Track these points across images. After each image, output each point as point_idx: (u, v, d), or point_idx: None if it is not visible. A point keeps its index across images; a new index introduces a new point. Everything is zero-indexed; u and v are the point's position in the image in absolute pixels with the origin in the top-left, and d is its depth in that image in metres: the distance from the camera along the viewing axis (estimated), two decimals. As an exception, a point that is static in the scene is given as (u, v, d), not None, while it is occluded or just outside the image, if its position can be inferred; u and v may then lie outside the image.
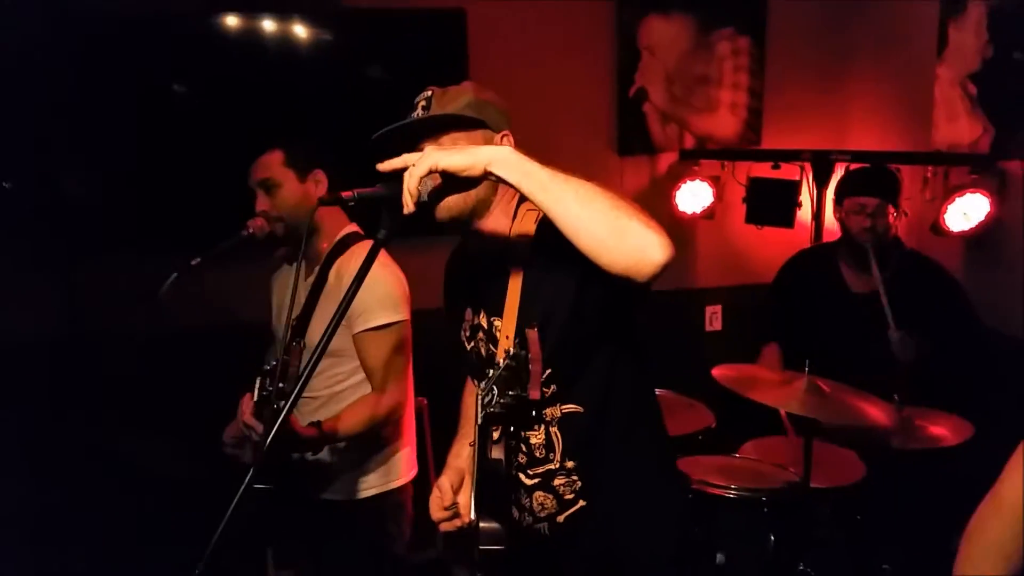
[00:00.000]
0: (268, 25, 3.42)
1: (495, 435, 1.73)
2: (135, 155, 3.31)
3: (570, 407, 1.70)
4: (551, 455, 1.73)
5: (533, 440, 1.74)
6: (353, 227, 2.39)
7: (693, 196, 3.87)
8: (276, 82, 3.44)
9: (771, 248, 3.89)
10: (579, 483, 1.73)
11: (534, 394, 1.46)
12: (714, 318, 4.13)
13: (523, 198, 1.73)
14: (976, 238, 3.22)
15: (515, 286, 1.70)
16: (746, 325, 3.87)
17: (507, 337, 1.70)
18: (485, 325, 1.79)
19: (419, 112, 1.68)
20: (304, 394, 2.31)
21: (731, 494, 2.53)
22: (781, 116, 4.02)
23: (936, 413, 2.65)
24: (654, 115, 3.91)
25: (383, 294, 2.21)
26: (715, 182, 3.86)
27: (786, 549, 2.52)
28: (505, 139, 1.72)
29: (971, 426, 2.52)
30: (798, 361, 3.14)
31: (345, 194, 1.52)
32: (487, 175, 1.38)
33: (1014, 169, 3.15)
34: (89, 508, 3.18)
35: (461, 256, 1.93)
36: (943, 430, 2.54)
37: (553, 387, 1.69)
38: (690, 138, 3.97)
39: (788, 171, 3.72)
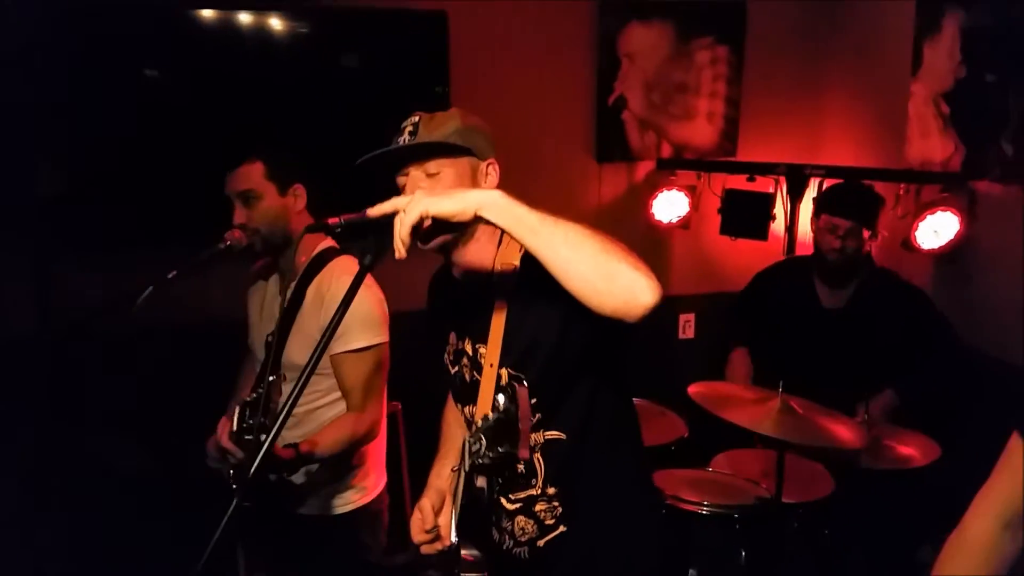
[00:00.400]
0: (245, 20, 3.38)
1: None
2: (105, 151, 3.26)
3: (553, 434, 1.70)
4: (533, 481, 1.73)
5: (516, 466, 1.75)
6: (329, 241, 2.37)
7: (670, 205, 3.90)
8: (252, 79, 3.40)
9: (745, 258, 3.94)
10: (560, 509, 1.74)
11: (523, 454, 1.47)
12: (687, 326, 4.16)
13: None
14: (946, 255, 3.27)
15: (500, 315, 1.70)
16: (719, 333, 3.91)
17: (491, 365, 1.71)
18: (470, 352, 1.79)
19: (406, 137, 1.67)
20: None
21: (704, 510, 2.56)
22: (757, 127, 4.06)
23: (905, 432, 2.70)
24: (633, 123, 3.92)
25: (364, 316, 2.21)
26: (691, 192, 3.89)
27: (757, 565, 2.55)
28: (491, 167, 1.73)
29: (938, 447, 2.57)
30: (766, 370, 3.20)
31: (331, 220, 1.50)
32: (477, 219, 1.37)
33: (984, 188, 3.21)
34: (62, 509, 3.15)
35: (445, 278, 1.92)
36: (911, 450, 2.59)
37: (538, 415, 1.70)
38: (667, 146, 3.99)
39: (763, 183, 3.76)
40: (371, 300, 2.23)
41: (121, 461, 3.34)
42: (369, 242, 1.50)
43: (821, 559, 2.81)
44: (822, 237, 3.12)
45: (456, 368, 1.85)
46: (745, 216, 3.77)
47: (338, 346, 2.21)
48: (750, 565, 2.54)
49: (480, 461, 1.49)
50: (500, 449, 1.47)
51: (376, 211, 1.41)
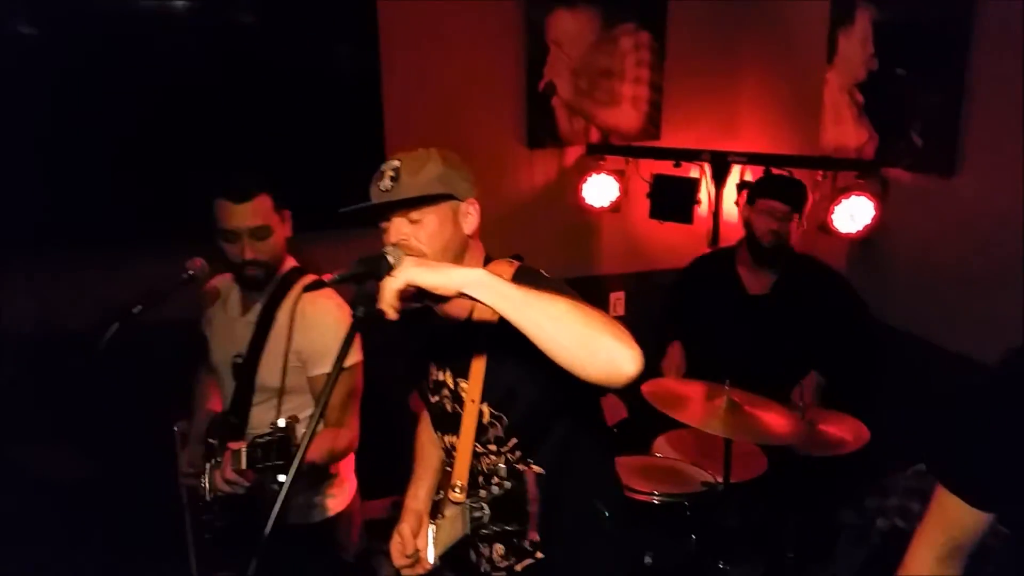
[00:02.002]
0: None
1: (456, 492, 1.82)
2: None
3: (534, 468, 1.78)
4: None
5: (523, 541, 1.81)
6: (292, 262, 2.39)
7: (599, 190, 3.99)
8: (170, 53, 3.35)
9: (671, 238, 4.10)
10: (537, 537, 1.80)
11: (534, 536, 1.53)
12: (618, 304, 4.30)
13: (488, 260, 1.80)
14: (860, 238, 3.49)
15: (481, 352, 1.76)
16: (648, 310, 4.06)
17: (472, 401, 1.77)
18: (451, 385, 1.84)
19: (387, 183, 1.69)
20: (252, 430, 2.34)
21: (656, 500, 2.71)
22: (679, 111, 4.16)
23: (836, 416, 2.90)
24: (562, 108, 3.98)
25: (341, 338, 2.22)
26: (620, 176, 3.99)
27: (706, 547, 2.73)
28: (471, 206, 1.77)
29: (867, 431, 2.79)
30: (701, 360, 3.37)
31: (325, 277, 1.57)
32: (460, 295, 1.41)
33: (896, 175, 3.42)
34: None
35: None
36: (843, 435, 2.79)
37: (518, 453, 1.78)
38: (595, 131, 4.07)
39: (688, 168, 3.91)
40: (347, 322, 2.24)
41: (58, 469, 3.27)
42: (361, 294, 1.55)
43: (758, 532, 3.03)
44: (759, 221, 3.26)
45: (436, 398, 1.90)
46: (672, 200, 3.91)
47: (319, 367, 2.26)
48: (699, 548, 2.71)
49: (485, 531, 1.55)
50: (508, 528, 1.54)
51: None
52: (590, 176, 3.99)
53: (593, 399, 1.86)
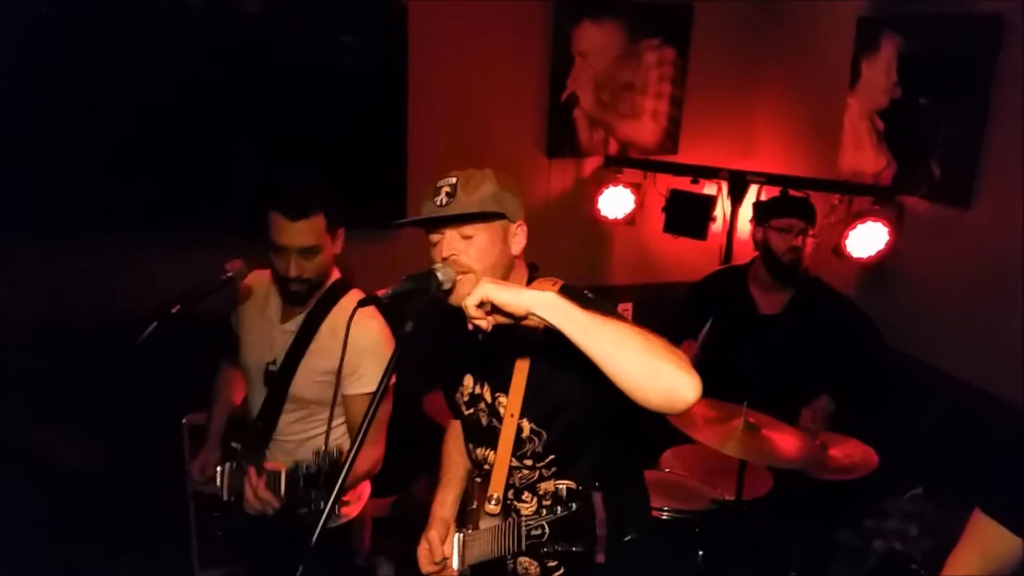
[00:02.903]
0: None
1: (491, 505, 1.84)
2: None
3: (565, 483, 1.80)
4: None
5: (524, 511, 1.84)
6: (337, 274, 2.38)
7: (615, 202, 4.03)
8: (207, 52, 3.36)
9: (684, 252, 4.14)
10: (603, 559, 1.77)
11: (600, 558, 1.55)
12: (625, 314, 4.30)
13: (533, 276, 1.83)
14: (872, 264, 3.53)
15: (523, 368, 1.78)
16: (656, 322, 4.08)
17: (512, 416, 1.79)
18: (488, 399, 1.86)
19: (443, 199, 1.72)
20: (278, 437, 2.36)
21: (665, 515, 2.75)
22: (697, 127, 4.21)
23: (847, 440, 2.94)
24: (583, 120, 4.01)
25: (382, 361, 2.22)
26: (636, 189, 4.03)
27: (713, 563, 2.77)
28: (520, 228, 1.80)
29: (876, 456, 2.83)
30: (708, 378, 3.39)
31: (379, 292, 1.59)
32: (530, 315, 1.45)
33: (912, 204, 3.46)
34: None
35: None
36: (853, 461, 2.83)
37: (553, 469, 1.80)
38: (614, 143, 4.10)
39: (704, 185, 3.94)
40: (388, 344, 2.26)
41: (64, 454, 3.28)
42: (411, 310, 1.58)
43: (762, 549, 3.07)
44: (778, 239, 3.27)
45: (471, 411, 1.92)
46: (687, 216, 3.95)
47: (356, 387, 2.25)
48: (707, 562, 2.75)
49: (545, 549, 1.56)
50: (574, 548, 1.55)
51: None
52: (607, 188, 4.03)
53: (635, 419, 1.89)
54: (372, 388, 2.22)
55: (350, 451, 1.50)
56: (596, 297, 1.71)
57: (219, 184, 3.46)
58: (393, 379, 2.28)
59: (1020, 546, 1.48)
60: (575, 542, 1.53)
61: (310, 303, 2.32)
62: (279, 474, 2.05)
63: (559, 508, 1.56)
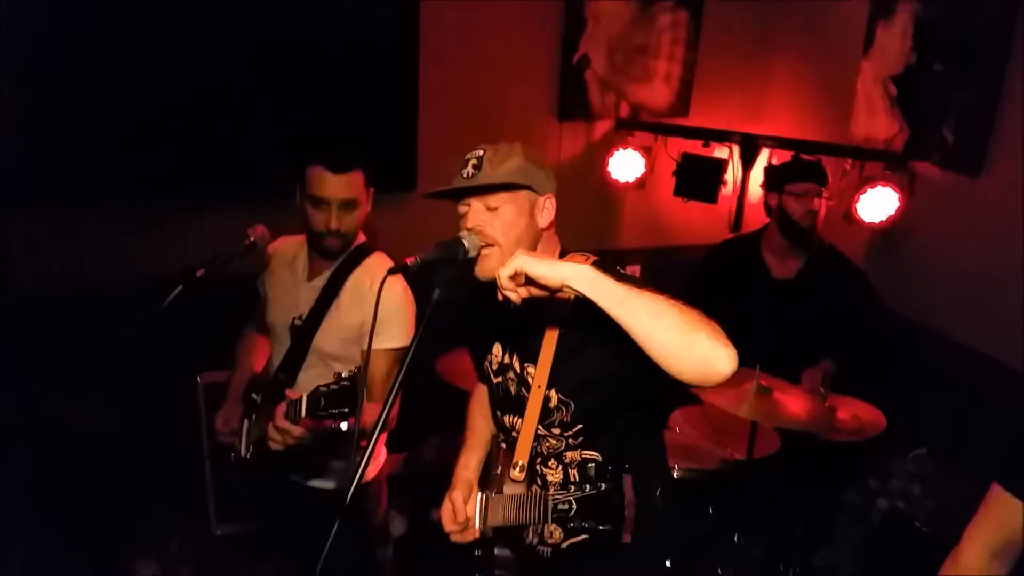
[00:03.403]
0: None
1: (516, 472, 1.88)
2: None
3: (590, 454, 1.85)
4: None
5: (550, 477, 1.88)
6: (362, 237, 2.44)
7: (626, 165, 4.03)
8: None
9: (694, 216, 4.15)
10: (629, 539, 1.82)
11: (627, 538, 1.58)
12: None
13: (564, 252, 1.85)
14: (883, 229, 3.56)
15: (552, 338, 1.80)
16: (663, 285, 4.12)
17: (539, 387, 1.82)
18: (517, 368, 1.89)
19: (470, 170, 1.74)
20: (301, 390, 2.39)
21: (676, 474, 2.81)
22: (709, 91, 4.20)
23: (855, 403, 2.98)
24: (594, 83, 4.00)
25: (404, 320, 2.31)
26: (647, 153, 4.03)
27: (723, 520, 2.84)
28: (548, 201, 1.81)
29: (884, 418, 2.87)
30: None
31: (408, 260, 1.62)
32: (564, 287, 1.46)
33: (924, 170, 3.48)
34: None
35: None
36: (862, 423, 2.88)
37: (581, 438, 1.84)
38: (625, 106, 4.10)
39: (715, 148, 3.95)
40: (410, 304, 2.34)
41: (85, 421, 3.33)
42: (440, 277, 1.61)
43: (770, 508, 3.14)
44: (793, 205, 3.29)
45: (500, 379, 1.96)
46: (698, 179, 3.96)
47: (379, 342, 2.27)
48: (718, 521, 2.82)
49: (571, 524, 1.58)
50: (601, 527, 1.57)
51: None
52: (617, 151, 4.03)
53: (662, 391, 1.92)
54: (391, 344, 2.28)
55: (383, 409, 1.55)
56: (629, 274, 1.72)
57: (234, 149, 3.45)
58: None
59: None
60: (603, 521, 1.56)
61: (336, 261, 2.38)
62: (299, 400, 2.04)
63: (587, 486, 1.57)
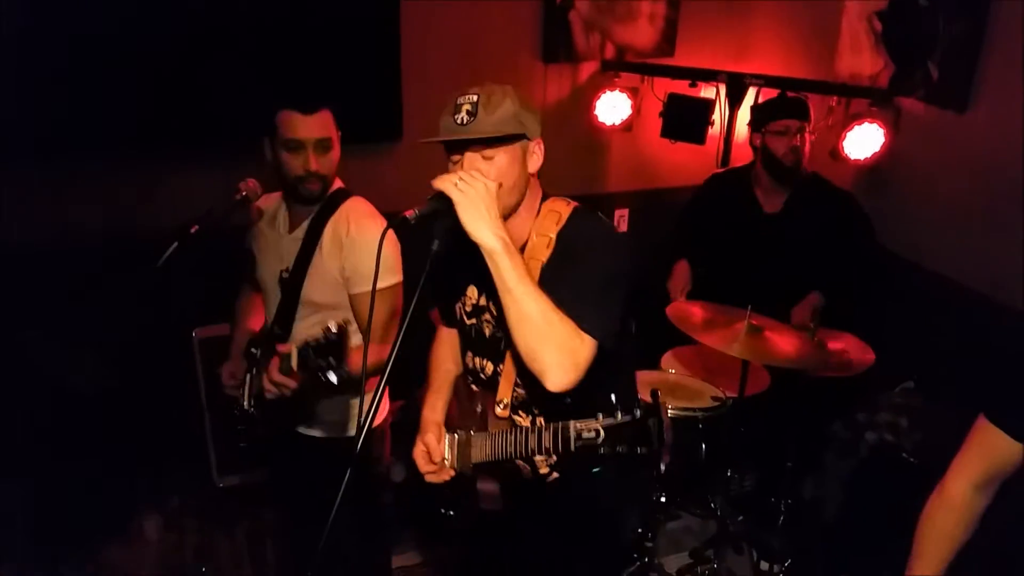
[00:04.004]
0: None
1: (500, 408, 1.92)
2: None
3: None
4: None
5: (520, 422, 1.94)
6: (339, 183, 2.43)
7: (612, 108, 4.01)
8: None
9: (681, 157, 4.15)
10: (555, 459, 1.95)
11: (667, 458, 1.62)
12: (621, 221, 4.37)
13: (546, 196, 1.86)
14: (869, 165, 3.58)
15: None
16: (652, 228, 4.15)
17: None
18: (494, 311, 1.92)
19: (464, 116, 1.72)
20: (297, 341, 2.41)
21: (670, 413, 2.85)
22: (694, 30, 4.14)
23: (844, 338, 3.04)
24: (579, 24, 3.95)
25: (384, 259, 2.27)
26: (634, 94, 4.01)
27: (714, 456, 2.92)
28: (537, 145, 1.83)
29: (872, 352, 2.94)
30: (710, 276, 3.50)
31: (407, 213, 1.63)
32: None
33: (909, 105, 3.49)
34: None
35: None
36: (851, 358, 2.94)
37: None
38: (611, 47, 4.05)
39: (701, 88, 3.93)
40: (389, 244, 2.30)
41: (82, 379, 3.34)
42: (438, 229, 1.64)
43: (761, 443, 3.23)
44: (776, 142, 3.32)
45: (474, 321, 1.98)
46: (685, 120, 3.94)
47: (361, 286, 2.32)
48: (709, 458, 2.90)
49: (603, 450, 1.59)
50: (640, 450, 1.57)
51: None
52: (604, 93, 4.00)
53: (631, 334, 1.97)
54: (380, 285, 2.27)
55: (390, 354, 1.61)
56: (602, 225, 1.86)
57: (215, 101, 3.39)
58: (400, 278, 2.35)
59: (1021, 451, 1.57)
60: (640, 445, 1.59)
61: (314, 210, 2.39)
62: (290, 353, 2.10)
63: (619, 413, 1.60)
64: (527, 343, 1.63)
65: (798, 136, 3.29)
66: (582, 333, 1.65)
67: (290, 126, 2.25)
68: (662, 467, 2.77)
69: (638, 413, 1.58)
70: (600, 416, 1.61)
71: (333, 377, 2.04)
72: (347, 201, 2.39)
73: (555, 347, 1.62)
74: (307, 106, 2.25)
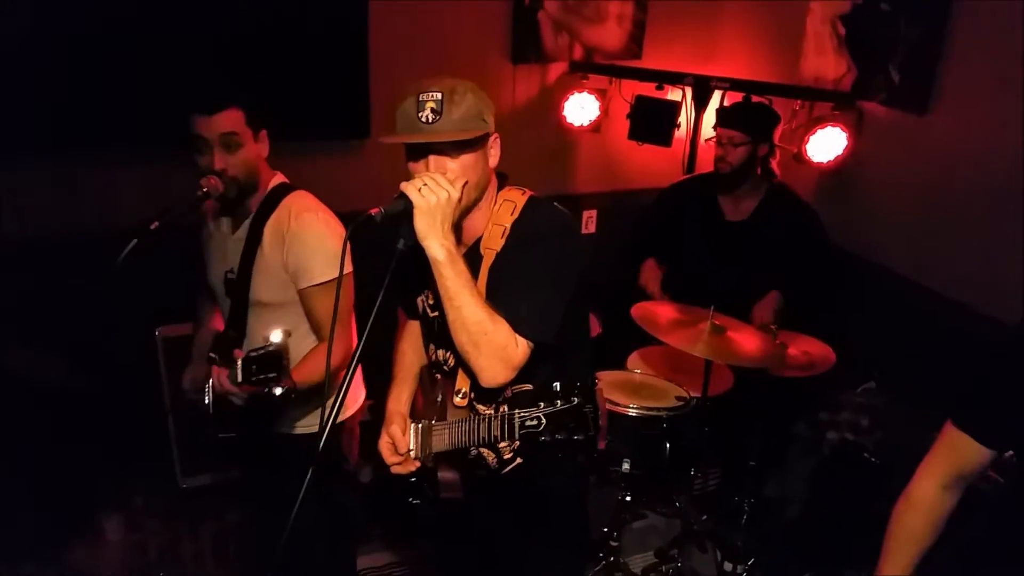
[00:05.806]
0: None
1: (459, 398, 1.93)
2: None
3: (522, 386, 1.85)
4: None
5: (483, 411, 1.92)
6: (280, 178, 2.41)
7: (581, 109, 4.03)
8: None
9: (648, 159, 4.18)
10: (518, 444, 1.93)
11: (602, 445, 1.64)
12: (590, 221, 4.39)
13: (503, 185, 1.89)
14: (832, 168, 3.63)
15: (485, 272, 1.85)
16: (619, 229, 4.17)
17: None
18: None
19: (428, 115, 1.71)
20: (254, 342, 2.40)
21: (633, 412, 2.88)
22: (661, 32, 4.17)
23: (805, 339, 3.08)
24: (547, 24, 3.96)
25: (326, 251, 2.28)
26: (602, 96, 4.03)
27: (678, 455, 2.94)
28: (496, 140, 1.84)
29: (833, 353, 2.97)
30: (671, 279, 3.52)
31: (373, 211, 1.64)
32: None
33: (872, 109, 3.54)
34: None
35: None
36: (812, 359, 2.98)
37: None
38: (579, 48, 4.07)
39: (668, 91, 3.97)
40: (332, 235, 2.30)
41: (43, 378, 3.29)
42: (404, 228, 1.67)
43: (724, 442, 3.25)
44: (717, 149, 3.37)
45: (436, 314, 1.97)
46: (652, 122, 3.98)
47: (304, 281, 2.29)
48: (672, 457, 2.91)
49: (544, 438, 1.64)
50: (576, 438, 1.61)
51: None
52: (572, 94, 4.02)
53: (585, 320, 2.00)
54: (323, 279, 2.29)
55: (356, 348, 1.65)
56: (561, 214, 1.86)
57: (178, 101, 3.35)
58: (350, 269, 2.33)
59: (988, 456, 1.61)
60: (579, 432, 1.63)
61: (253, 208, 2.35)
62: (236, 362, 2.09)
63: (559, 401, 1.64)
64: (463, 347, 1.74)
65: (741, 148, 3.29)
66: (517, 337, 1.73)
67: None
68: (624, 467, 2.85)
69: (575, 400, 1.62)
70: (541, 404, 1.66)
71: (277, 390, 2.06)
72: (288, 196, 2.35)
73: (488, 352, 1.71)
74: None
